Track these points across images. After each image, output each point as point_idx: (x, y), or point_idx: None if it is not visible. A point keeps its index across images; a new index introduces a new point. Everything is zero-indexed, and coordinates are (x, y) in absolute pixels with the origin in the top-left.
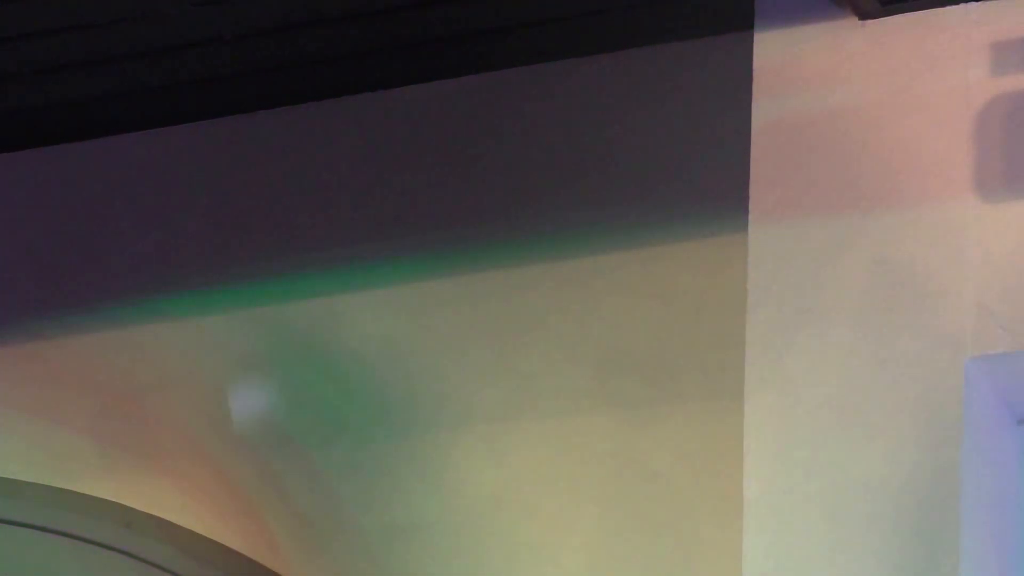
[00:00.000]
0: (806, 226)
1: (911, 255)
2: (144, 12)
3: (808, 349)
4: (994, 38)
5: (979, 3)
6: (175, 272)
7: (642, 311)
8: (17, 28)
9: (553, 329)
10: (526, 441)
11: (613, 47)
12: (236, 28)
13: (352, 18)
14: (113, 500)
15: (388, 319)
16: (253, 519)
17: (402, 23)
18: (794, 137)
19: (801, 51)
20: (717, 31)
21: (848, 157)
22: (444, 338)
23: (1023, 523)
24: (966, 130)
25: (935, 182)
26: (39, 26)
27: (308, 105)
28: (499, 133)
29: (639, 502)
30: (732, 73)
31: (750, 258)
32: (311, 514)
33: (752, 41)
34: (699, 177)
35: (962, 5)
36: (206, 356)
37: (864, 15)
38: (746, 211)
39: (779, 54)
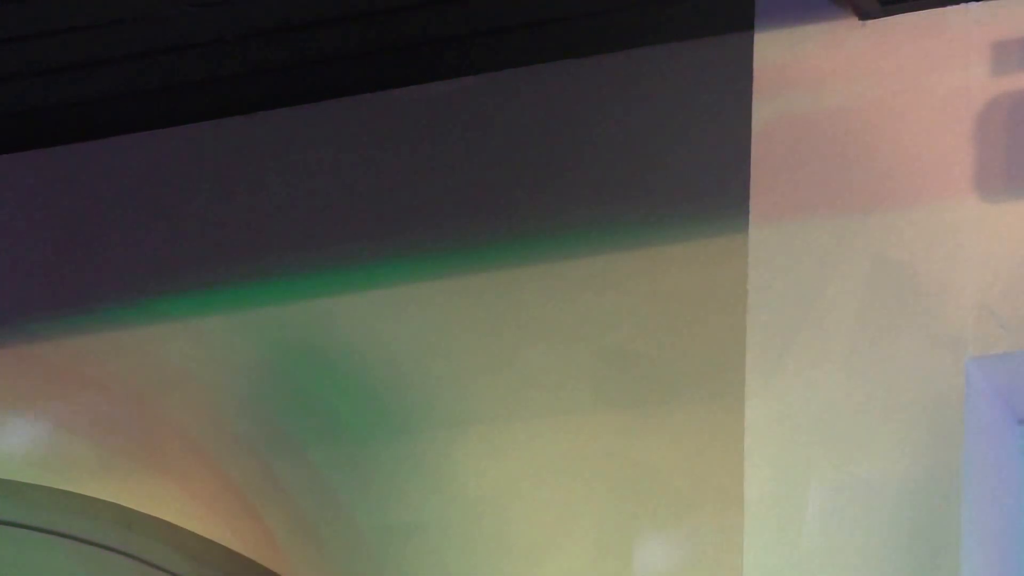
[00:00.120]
0: (806, 226)
1: (911, 255)
2: (144, 13)
3: (808, 349)
4: (994, 38)
5: (979, 3)
6: (175, 272)
7: (642, 311)
8: (17, 28)
9: (553, 329)
10: (525, 441)
11: (613, 47)
12: (236, 29)
13: (352, 18)
14: (113, 501)
15: (388, 319)
16: (253, 519)
17: (402, 23)
18: (794, 137)
19: (801, 51)
20: (717, 31)
21: (848, 157)
22: (444, 338)
23: (1023, 523)
24: (966, 130)
25: (935, 182)
26: (39, 26)
27: (308, 105)
28: (499, 133)
29: (639, 502)
30: (732, 73)
31: (750, 258)
32: (311, 514)
33: (752, 41)
34: (699, 177)
35: (962, 5)
36: (206, 356)
37: (864, 15)
38: (746, 211)
39: (779, 54)
